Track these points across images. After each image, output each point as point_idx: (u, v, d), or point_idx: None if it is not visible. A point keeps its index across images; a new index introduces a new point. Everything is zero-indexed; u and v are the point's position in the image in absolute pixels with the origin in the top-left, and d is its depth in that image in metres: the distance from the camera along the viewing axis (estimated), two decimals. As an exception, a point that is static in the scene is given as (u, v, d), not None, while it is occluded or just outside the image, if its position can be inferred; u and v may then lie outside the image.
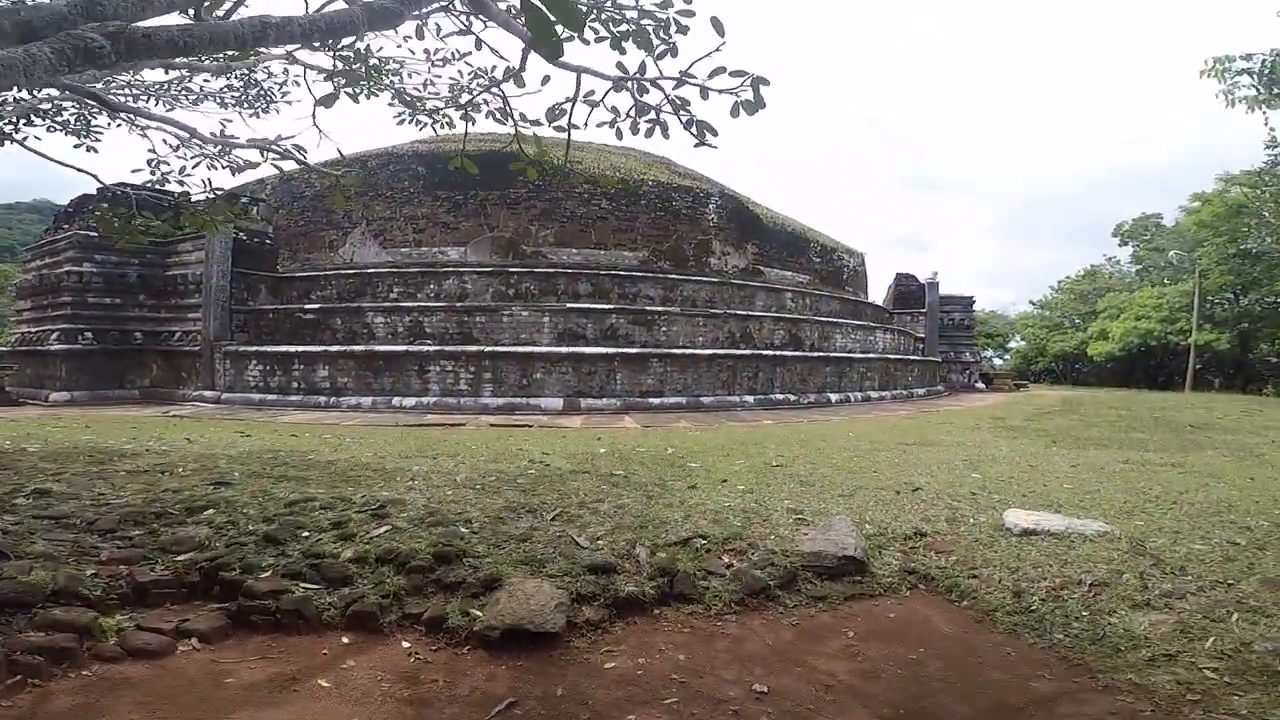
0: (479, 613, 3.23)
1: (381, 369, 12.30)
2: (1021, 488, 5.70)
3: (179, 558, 3.65)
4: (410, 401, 12.10)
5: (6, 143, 6.63)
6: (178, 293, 14.34)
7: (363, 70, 5.41)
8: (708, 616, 3.38)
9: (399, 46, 6.43)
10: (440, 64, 6.00)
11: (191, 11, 2.80)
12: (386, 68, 6.00)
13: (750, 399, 13.98)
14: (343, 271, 15.35)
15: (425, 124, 6.18)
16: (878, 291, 28.85)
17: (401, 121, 6.04)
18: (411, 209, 17.58)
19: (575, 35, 2.37)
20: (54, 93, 6.95)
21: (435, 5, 3.41)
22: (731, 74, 2.89)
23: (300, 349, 12.54)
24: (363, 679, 2.76)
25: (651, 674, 2.84)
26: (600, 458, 6.78)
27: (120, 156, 6.86)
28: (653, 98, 3.08)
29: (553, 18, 1.55)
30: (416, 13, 3.22)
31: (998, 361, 50.55)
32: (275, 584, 3.38)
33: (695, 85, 2.91)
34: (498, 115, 4.38)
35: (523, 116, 3.73)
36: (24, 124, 6.95)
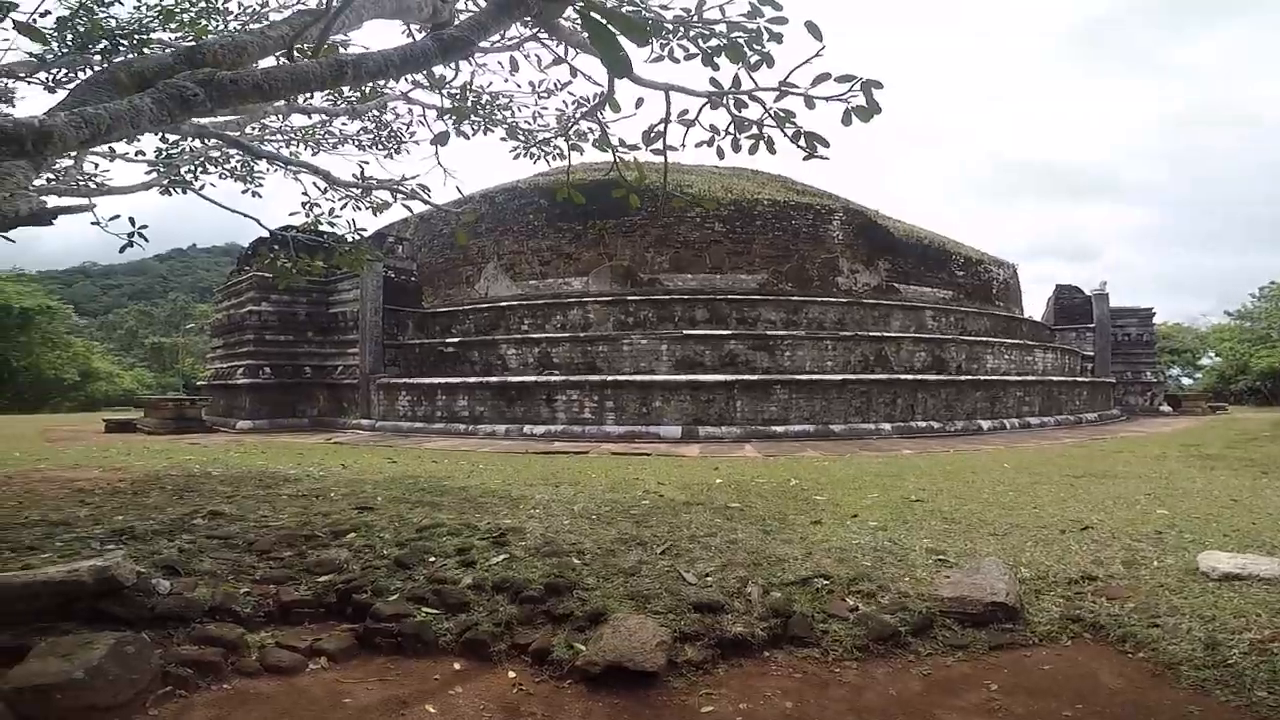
0: (583, 647, 3.18)
1: (514, 398, 12.89)
2: (1222, 526, 4.82)
3: (320, 579, 3.92)
4: (540, 429, 12.55)
5: (187, 190, 7.57)
6: (339, 329, 15.98)
7: (471, 106, 5.73)
8: (824, 662, 3.11)
9: (505, 81, 6.78)
10: (545, 95, 6.22)
11: (281, 56, 3.03)
12: (496, 103, 6.32)
13: (887, 426, 13.10)
14: (478, 306, 16.37)
15: (538, 156, 6.43)
16: (1034, 307, 26.23)
17: (517, 156, 6.32)
18: (536, 242, 18.36)
19: (645, 43, 2.31)
20: (218, 140, 7.97)
21: (502, 36, 3.51)
22: (838, 79, 2.70)
23: (442, 380, 13.47)
24: (467, 708, 2.77)
25: (752, 720, 2.63)
26: (716, 489, 6.58)
27: (281, 201, 7.77)
28: (753, 112, 2.96)
29: (613, 29, 1.49)
30: (485, 42, 3.33)
31: (1186, 381, 44.08)
32: (400, 607, 3.53)
33: (798, 95, 2.75)
34: (599, 143, 4.44)
35: (621, 142, 3.74)
36: (201, 172, 7.94)
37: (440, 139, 5.69)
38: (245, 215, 7.17)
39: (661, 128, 3.02)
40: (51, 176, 7.52)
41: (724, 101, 2.82)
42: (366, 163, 8.69)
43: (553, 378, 13.01)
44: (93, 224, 7.50)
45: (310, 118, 8.88)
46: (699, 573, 3.94)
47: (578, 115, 5.31)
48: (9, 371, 27.46)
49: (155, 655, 2.80)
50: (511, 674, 3.11)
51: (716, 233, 17.84)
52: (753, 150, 3.11)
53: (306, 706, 2.72)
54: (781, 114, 2.87)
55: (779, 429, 12.47)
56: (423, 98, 7.21)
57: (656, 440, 12.01)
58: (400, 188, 6.03)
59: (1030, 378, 16.44)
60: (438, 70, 6.57)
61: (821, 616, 3.40)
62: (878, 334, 15.37)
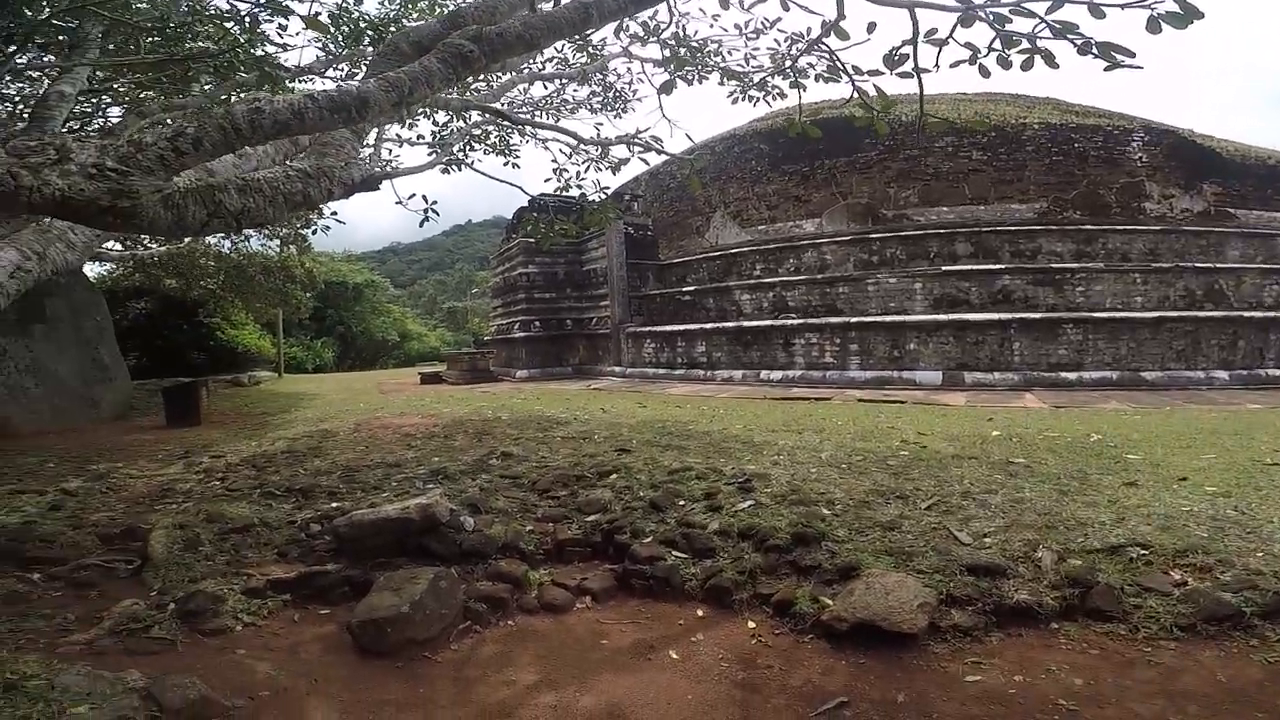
0: (829, 601, 3.16)
1: (749, 343, 12.97)
2: None
3: (588, 518, 4.44)
4: (776, 374, 12.50)
5: (461, 166, 8.83)
6: (591, 284, 17.45)
7: (686, 54, 5.72)
8: (1131, 640, 2.74)
9: (710, 27, 6.70)
10: (753, 35, 5.99)
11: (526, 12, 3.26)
12: (706, 49, 6.24)
13: (1222, 375, 10.58)
14: (709, 254, 16.61)
15: (756, 98, 6.24)
16: None
17: (735, 100, 6.19)
18: (762, 187, 18.11)
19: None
20: (479, 116, 9.00)
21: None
22: (1139, -22, 2.12)
23: (681, 328, 14.05)
24: (706, 655, 2.95)
25: (1029, 695, 2.41)
26: (992, 441, 5.95)
27: (534, 171, 8.70)
28: (1021, 25, 2.47)
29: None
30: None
31: None
32: (653, 550, 3.85)
33: (1080, 2, 2.22)
34: (826, 74, 4.10)
35: (856, 70, 3.40)
36: (469, 150, 9.19)
37: (665, 87, 5.79)
38: (510, 184, 8.14)
39: (907, 49, 2.68)
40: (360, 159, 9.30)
41: (985, 16, 2.39)
42: (601, 124, 9.20)
43: (789, 321, 12.78)
44: (395, 203, 9.09)
45: (546, 87, 9.65)
46: (974, 532, 3.66)
47: (794, 51, 4.99)
48: (351, 336, 35.03)
49: (460, 591, 3.40)
50: (751, 624, 3.20)
51: (975, 161, 16.04)
52: (1026, 66, 2.59)
53: (572, 646, 3.12)
54: (1059, 26, 2.36)
55: (1069, 375, 10.78)
56: (640, 54, 7.43)
57: (910, 387, 11.21)
58: (635, 140, 6.32)
59: None
60: (649, 20, 6.66)
61: (1134, 590, 2.98)
62: (1206, 265, 12.40)
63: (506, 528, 4.25)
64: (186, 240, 14.83)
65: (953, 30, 2.41)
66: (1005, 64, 2.54)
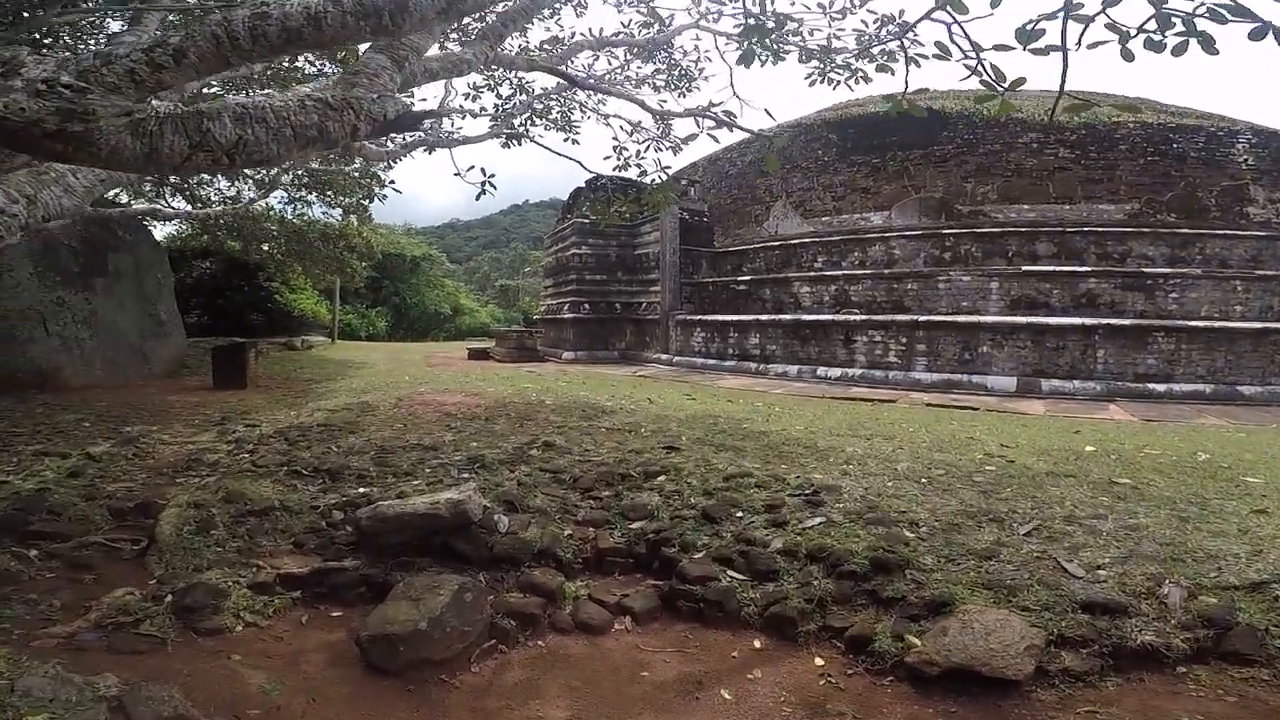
0: (916, 640, 2.67)
1: (807, 337, 12.29)
2: None
3: (632, 525, 3.99)
4: (835, 372, 11.81)
5: (522, 141, 8.50)
6: (642, 269, 16.96)
7: (770, 21, 5.14)
8: (1274, 686, 2.35)
9: (792, 4, 6.09)
10: (838, 15, 5.40)
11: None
12: (785, 27, 5.65)
13: None
14: (768, 244, 15.88)
15: (838, 80, 5.65)
16: None
17: (813, 82, 5.62)
18: (828, 177, 17.38)
19: None
20: (542, 89, 8.58)
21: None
22: None
23: (734, 318, 13.44)
24: (764, 696, 2.48)
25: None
26: (1088, 458, 5.26)
27: (594, 149, 8.22)
28: (1178, 3, 1.93)
29: None
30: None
31: None
32: (705, 568, 3.38)
33: None
34: (939, 51, 3.46)
35: (976, 47, 2.79)
36: (531, 124, 8.83)
37: (744, 59, 5.22)
38: (570, 159, 7.77)
39: (1045, 24, 2.11)
40: (420, 134, 8.99)
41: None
42: (664, 102, 8.66)
43: (852, 316, 12.03)
44: (454, 174, 8.77)
45: (610, 62, 9.18)
46: (1085, 563, 3.12)
47: (887, 32, 4.36)
48: (405, 307, 35.48)
49: (487, 604, 2.98)
50: (819, 661, 2.77)
51: (1062, 159, 15.12)
52: (1178, 51, 2.07)
53: (608, 676, 2.68)
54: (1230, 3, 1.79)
55: (1158, 387, 9.80)
56: (711, 27, 6.88)
57: (981, 392, 10.39)
58: (707, 114, 5.78)
59: None
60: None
61: (1280, 631, 2.46)
62: (1319, 272, 11.15)
63: (544, 531, 3.84)
64: (245, 200, 14.94)
65: (1104, 7, 1.87)
66: (1157, 48, 1.99)
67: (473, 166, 7.66)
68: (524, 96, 9.07)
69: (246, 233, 16.13)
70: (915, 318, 11.47)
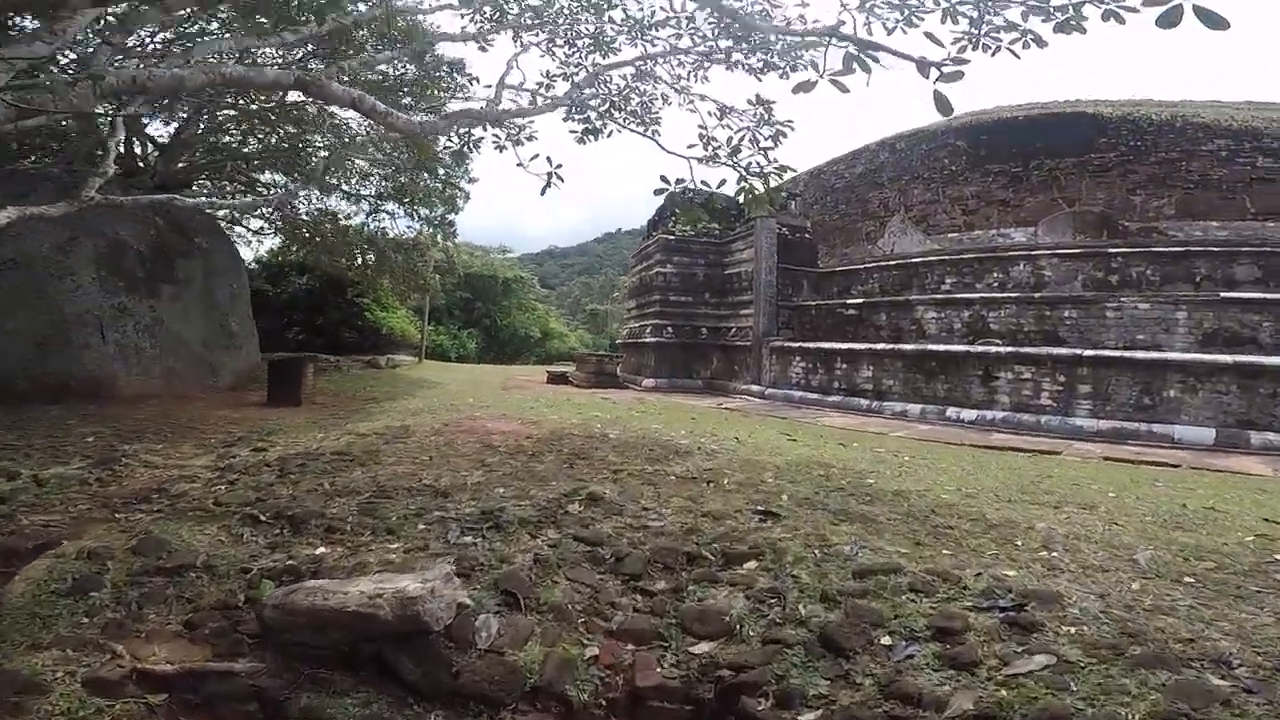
0: None
1: (933, 371, 10.22)
2: None
3: (697, 647, 2.41)
4: (970, 414, 9.66)
5: (598, 136, 7.28)
6: (732, 290, 15.35)
7: None
8: None
9: None
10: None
11: None
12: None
13: None
14: (883, 264, 13.86)
15: (996, 45, 3.92)
16: None
17: (962, 47, 3.92)
18: (956, 189, 15.22)
19: None
20: (620, 80, 7.27)
21: None
22: None
23: (842, 346, 11.54)
24: None
25: None
26: None
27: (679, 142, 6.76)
28: None
29: None
30: None
31: None
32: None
33: None
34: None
35: None
36: (609, 116, 7.58)
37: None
38: (649, 136, 6.43)
39: None
40: (498, 134, 7.90)
41: None
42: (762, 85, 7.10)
43: (995, 348, 9.87)
44: (517, 165, 7.61)
45: (692, 40, 7.83)
46: None
47: None
48: (496, 329, 35.44)
49: None
50: None
51: (1262, 169, 12.38)
52: None
53: None
54: None
55: None
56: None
57: (1165, 444, 8.03)
58: (835, 37, 4.17)
59: None
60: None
61: None
62: None
63: (551, 649, 2.33)
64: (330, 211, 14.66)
65: None
66: None
67: (536, 155, 6.51)
68: (603, 89, 7.85)
69: (328, 243, 15.90)
70: (1077, 352, 9.20)
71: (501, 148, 7.96)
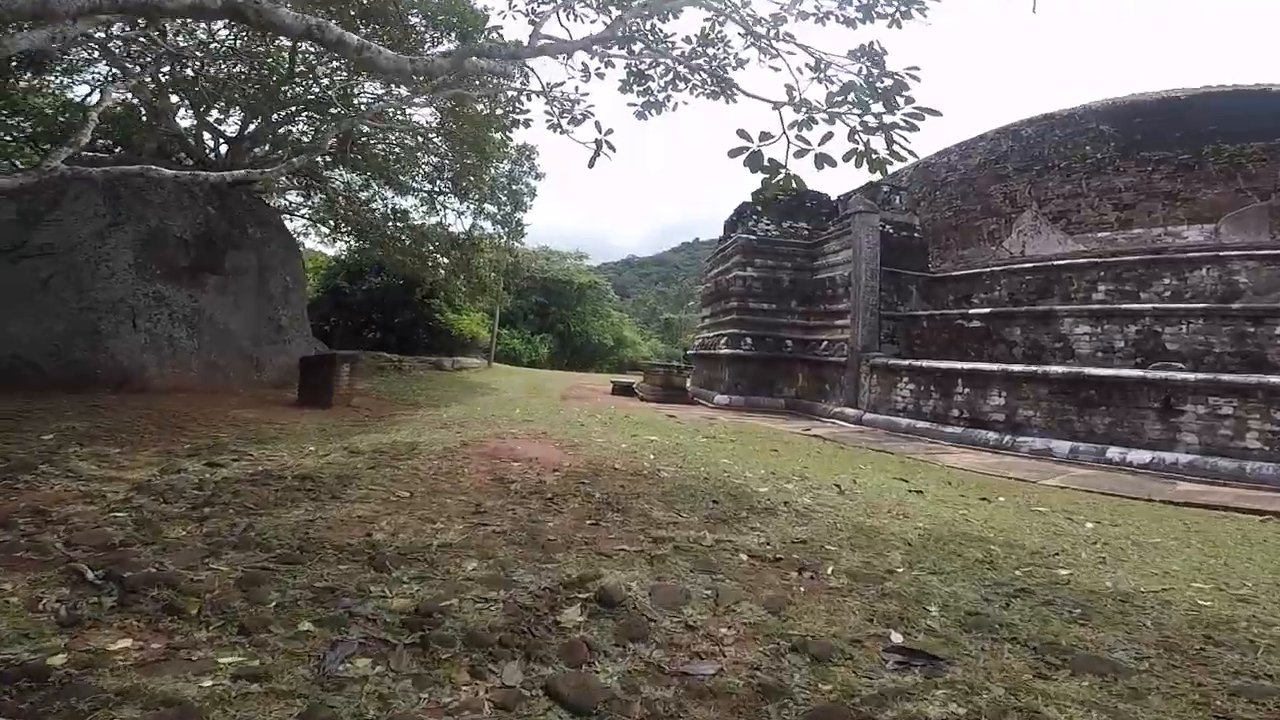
0: None
1: (1091, 401, 7.99)
2: None
3: None
4: (1140, 455, 7.40)
5: (661, 110, 5.95)
6: (824, 297, 13.40)
7: None
8: None
9: None
10: None
11: None
12: None
13: None
14: (1013, 267, 11.55)
15: None
16: None
17: None
18: (1104, 180, 12.71)
19: None
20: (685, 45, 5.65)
21: None
22: None
23: (966, 366, 9.43)
24: None
25: None
26: None
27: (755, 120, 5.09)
28: None
29: None
30: None
31: None
32: None
33: None
34: None
35: None
36: (672, 90, 6.16)
37: None
38: (726, 94, 4.91)
39: None
40: (549, 110, 6.54)
41: None
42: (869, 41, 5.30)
43: (1177, 375, 7.56)
44: (559, 132, 6.25)
45: None
46: None
47: None
48: (569, 334, 34.53)
49: None
50: None
51: None
52: None
53: None
54: None
55: None
56: None
57: None
58: None
59: None
60: None
61: None
62: None
63: None
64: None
65: None
66: None
67: (583, 118, 5.13)
68: (667, 61, 6.34)
69: (397, 243, 15.15)
70: (1304, 382, 6.81)
71: (555, 125, 6.55)
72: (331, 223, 16.22)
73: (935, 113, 3.97)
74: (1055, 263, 10.73)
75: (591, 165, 5.76)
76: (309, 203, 16.20)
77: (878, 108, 4.07)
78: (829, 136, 3.96)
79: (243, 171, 7.83)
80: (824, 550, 3.37)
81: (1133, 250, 10.49)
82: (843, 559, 3.25)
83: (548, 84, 6.68)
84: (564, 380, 19.56)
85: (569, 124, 6.50)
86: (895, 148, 3.97)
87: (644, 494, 4.20)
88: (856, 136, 4.09)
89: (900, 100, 4.05)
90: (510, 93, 7.21)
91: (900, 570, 3.14)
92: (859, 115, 4.13)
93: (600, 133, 5.69)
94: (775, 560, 3.18)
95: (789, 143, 3.97)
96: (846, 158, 3.97)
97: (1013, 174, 14.32)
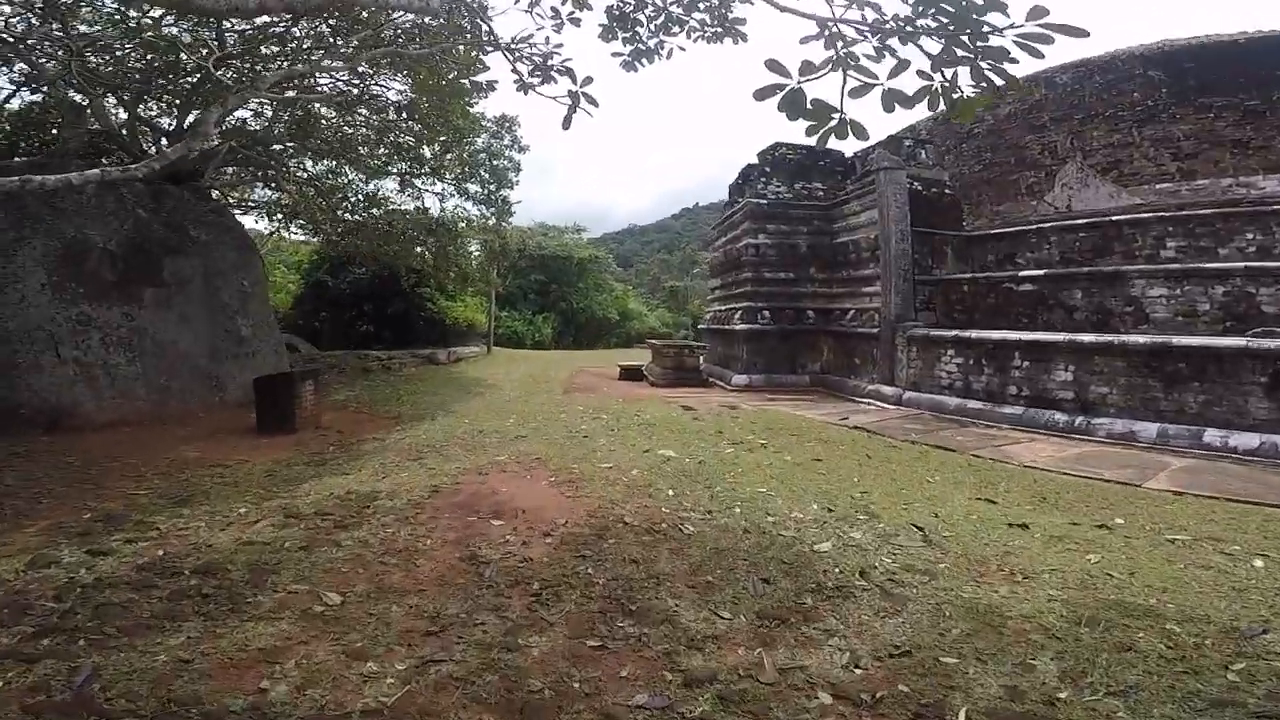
0: None
1: (1180, 377, 6.78)
2: None
3: None
4: (1250, 440, 6.22)
5: (653, 59, 4.71)
6: (847, 262, 12.13)
7: None
8: None
9: None
10: None
11: None
12: None
13: None
14: (1063, 223, 10.22)
15: None
16: None
17: None
18: (1159, 128, 11.43)
19: None
20: None
21: None
22: None
23: (1026, 337, 8.19)
24: None
25: None
26: None
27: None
28: None
29: None
30: None
31: None
32: None
33: None
34: None
35: None
36: (668, 32, 4.90)
37: None
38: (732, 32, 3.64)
39: None
40: (531, 69, 5.25)
41: None
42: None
43: (1289, 340, 6.34)
44: (528, 93, 5.10)
45: None
46: None
47: None
48: (573, 312, 33.26)
49: None
50: None
51: None
52: None
53: None
54: None
55: None
56: None
57: None
58: None
59: None
60: None
61: None
62: None
63: None
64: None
65: None
66: None
67: (562, 74, 3.93)
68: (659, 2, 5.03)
69: (348, 224, 13.91)
70: None
71: (524, 86, 5.24)
72: (303, 217, 14.99)
73: (1080, 31, 2.62)
74: (1114, 218, 9.40)
75: (567, 125, 4.58)
76: (277, 196, 14.96)
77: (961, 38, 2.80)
78: (903, 66, 2.68)
79: (155, 163, 6.61)
80: (940, 668, 2.26)
81: (1201, 203, 9.15)
82: (974, 684, 2.13)
83: (512, 38, 5.38)
84: (568, 365, 18.43)
85: (542, 83, 5.21)
86: (986, 82, 2.68)
87: (665, 575, 3.08)
88: (939, 69, 2.79)
89: (996, 18, 2.75)
90: (460, 47, 5.93)
91: (1065, 695, 2.05)
92: (946, 33, 2.80)
93: (575, 83, 4.52)
94: (875, 701, 2.07)
95: (844, 76, 2.70)
96: (918, 96, 2.70)
97: (1049, 124, 12.94)
